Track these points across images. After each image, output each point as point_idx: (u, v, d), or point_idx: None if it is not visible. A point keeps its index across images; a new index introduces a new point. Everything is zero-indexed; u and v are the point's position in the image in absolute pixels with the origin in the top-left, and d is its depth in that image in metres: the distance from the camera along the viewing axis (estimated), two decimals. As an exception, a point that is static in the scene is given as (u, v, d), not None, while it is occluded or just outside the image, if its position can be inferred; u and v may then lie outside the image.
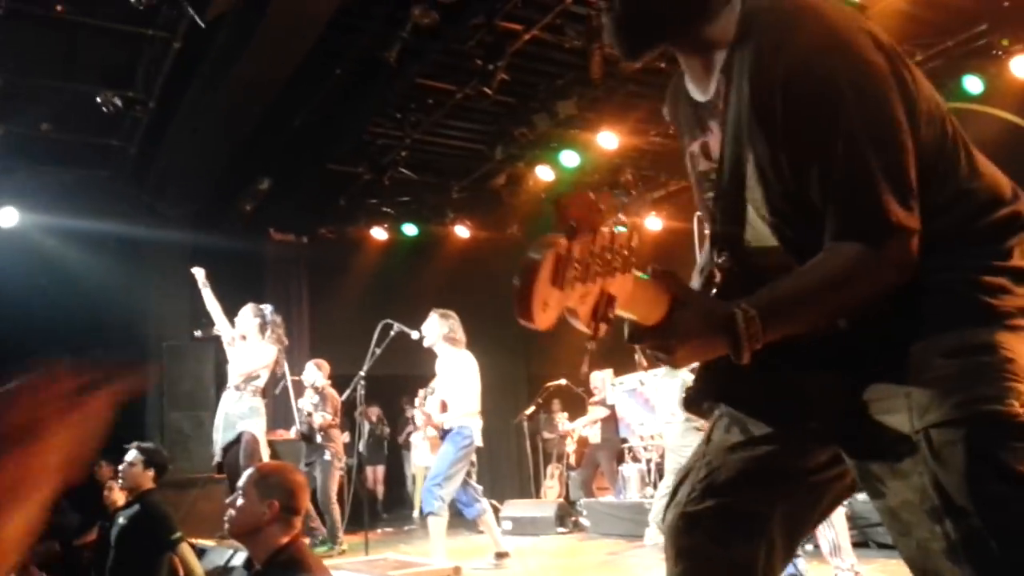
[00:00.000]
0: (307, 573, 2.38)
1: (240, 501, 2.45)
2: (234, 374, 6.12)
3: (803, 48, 1.25)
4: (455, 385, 5.61)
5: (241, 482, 2.51)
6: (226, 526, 2.49)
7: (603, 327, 1.12)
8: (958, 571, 1.20)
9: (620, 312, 1.19)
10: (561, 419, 9.86)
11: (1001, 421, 1.19)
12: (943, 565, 1.21)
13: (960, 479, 1.18)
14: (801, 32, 1.26)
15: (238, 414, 5.96)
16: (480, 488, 5.81)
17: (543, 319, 1.06)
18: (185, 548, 4.11)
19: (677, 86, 1.57)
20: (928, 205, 1.30)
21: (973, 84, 6.67)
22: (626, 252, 1.13)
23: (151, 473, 4.17)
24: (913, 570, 1.30)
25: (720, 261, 1.48)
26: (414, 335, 5.83)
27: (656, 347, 1.27)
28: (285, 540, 2.43)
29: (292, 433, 7.53)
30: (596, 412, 8.56)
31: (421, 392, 5.81)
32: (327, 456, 7.14)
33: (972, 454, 1.18)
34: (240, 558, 4.30)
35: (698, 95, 1.48)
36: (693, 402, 1.55)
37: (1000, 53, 6.58)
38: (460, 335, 5.70)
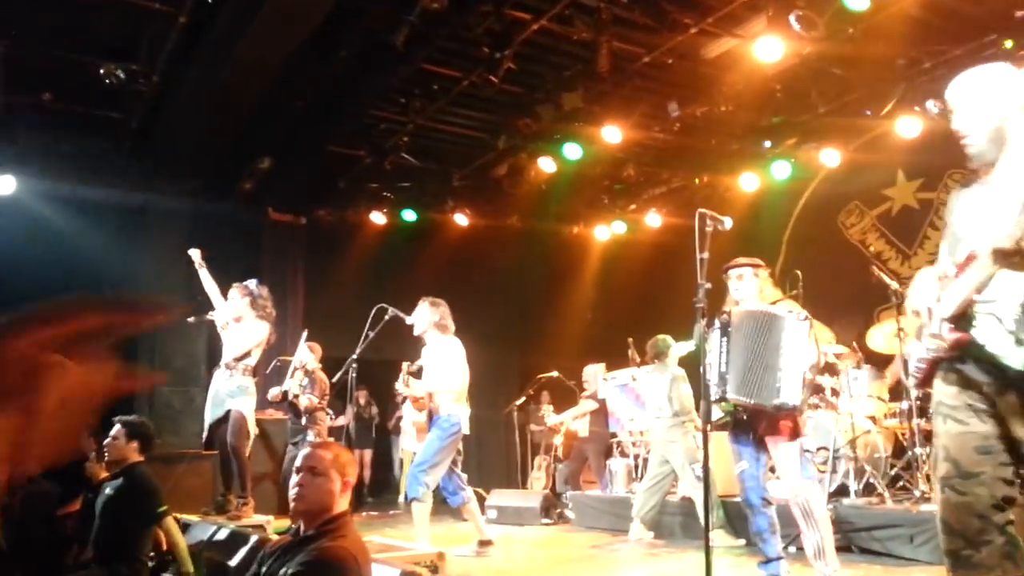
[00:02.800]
0: (341, 540, 2.54)
1: (317, 479, 2.60)
2: (227, 354, 6.11)
3: None
4: (443, 372, 5.59)
5: (313, 462, 2.64)
6: (298, 504, 2.61)
7: None
8: None
9: None
10: (547, 411, 9.87)
11: None
12: None
13: None
14: None
15: (227, 392, 5.95)
16: (465, 476, 5.81)
17: None
18: (170, 521, 4.12)
19: None
20: None
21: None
22: None
23: (135, 445, 4.16)
24: None
25: None
26: (408, 320, 5.82)
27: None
28: (337, 513, 2.63)
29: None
30: (585, 405, 8.56)
31: (404, 365, 5.79)
32: (310, 437, 7.15)
33: None
34: (224, 533, 4.30)
35: None
36: (924, 380, 2.54)
37: (1009, 63, 6.56)
38: (450, 323, 5.70)
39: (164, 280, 9.26)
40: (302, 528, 2.66)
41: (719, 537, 5.86)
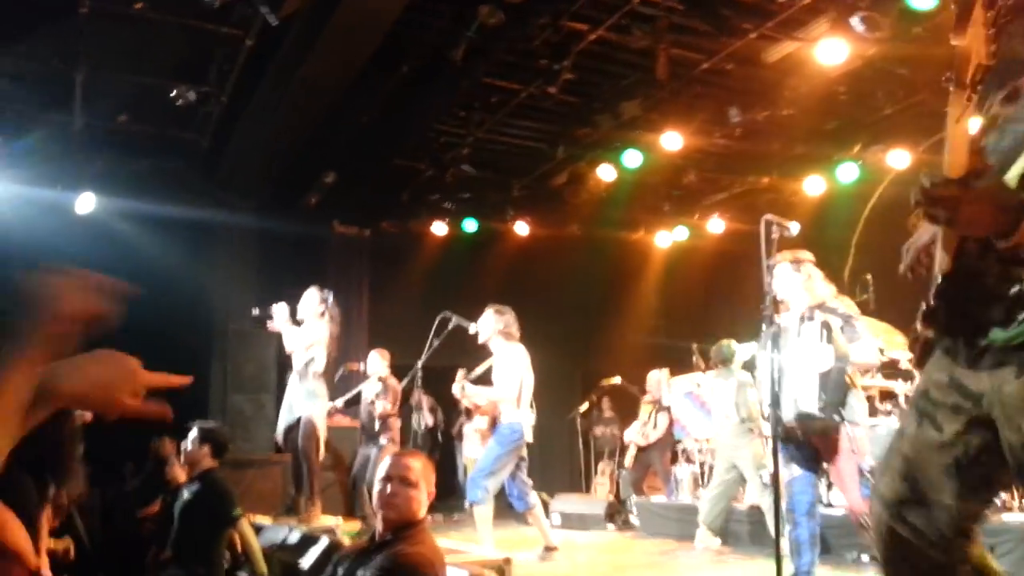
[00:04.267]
0: (419, 546, 2.59)
1: (409, 490, 2.65)
2: (296, 360, 6.28)
3: None
4: (505, 380, 5.62)
5: (405, 472, 2.68)
6: (388, 512, 2.64)
7: None
8: None
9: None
10: (609, 420, 9.87)
11: None
12: None
13: None
14: None
15: (298, 397, 6.11)
16: (530, 482, 5.84)
17: None
18: (244, 524, 4.25)
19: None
20: None
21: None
22: None
23: (206, 450, 4.31)
24: None
25: None
26: (471, 328, 5.89)
27: (947, 197, 1.57)
28: (416, 520, 2.68)
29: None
30: (660, 420, 8.52)
31: (460, 372, 5.85)
32: (382, 442, 7.24)
33: None
34: (295, 536, 4.42)
35: None
36: (921, 357, 1.83)
37: None
38: (515, 330, 5.73)
39: (234, 293, 9.56)
40: (378, 533, 2.70)
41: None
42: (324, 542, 3.95)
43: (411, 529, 2.66)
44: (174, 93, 7.03)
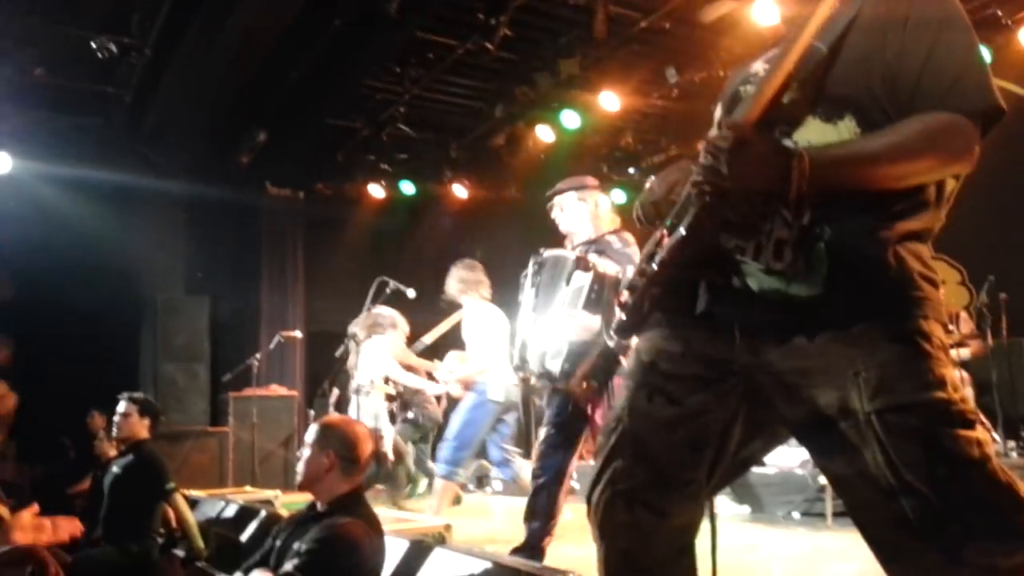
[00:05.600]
0: (355, 517, 2.60)
1: (306, 453, 2.70)
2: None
3: None
4: (487, 341, 5.16)
5: (307, 436, 2.78)
6: (298, 476, 2.75)
7: None
8: (913, 541, 1.34)
9: None
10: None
11: (944, 408, 1.34)
12: (898, 536, 1.35)
13: (914, 462, 1.32)
14: None
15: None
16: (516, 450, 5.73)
17: None
18: (178, 498, 4.14)
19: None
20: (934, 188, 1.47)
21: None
22: None
23: (147, 422, 4.18)
24: (867, 539, 1.43)
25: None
26: (410, 293, 5.80)
27: (713, 160, 1.36)
28: (346, 488, 2.68)
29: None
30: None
31: (445, 360, 5.66)
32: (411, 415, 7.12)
33: (923, 439, 1.33)
34: (232, 509, 4.32)
35: None
36: (631, 326, 1.57)
37: (1009, 23, 6.50)
38: (487, 289, 5.34)
39: (162, 259, 9.26)
40: (319, 505, 2.71)
41: (723, 505, 5.91)
42: (262, 515, 3.87)
43: (346, 499, 2.66)
44: (94, 44, 6.67)
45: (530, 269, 3.64)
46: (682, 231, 1.43)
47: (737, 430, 1.55)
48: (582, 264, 3.39)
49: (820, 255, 1.39)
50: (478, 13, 6.69)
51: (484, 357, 5.13)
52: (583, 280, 3.32)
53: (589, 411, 3.49)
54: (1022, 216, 6.67)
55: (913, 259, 1.41)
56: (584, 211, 3.69)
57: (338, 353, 6.34)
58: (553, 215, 3.78)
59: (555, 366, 3.32)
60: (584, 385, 3.30)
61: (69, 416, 7.01)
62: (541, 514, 3.53)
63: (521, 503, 3.66)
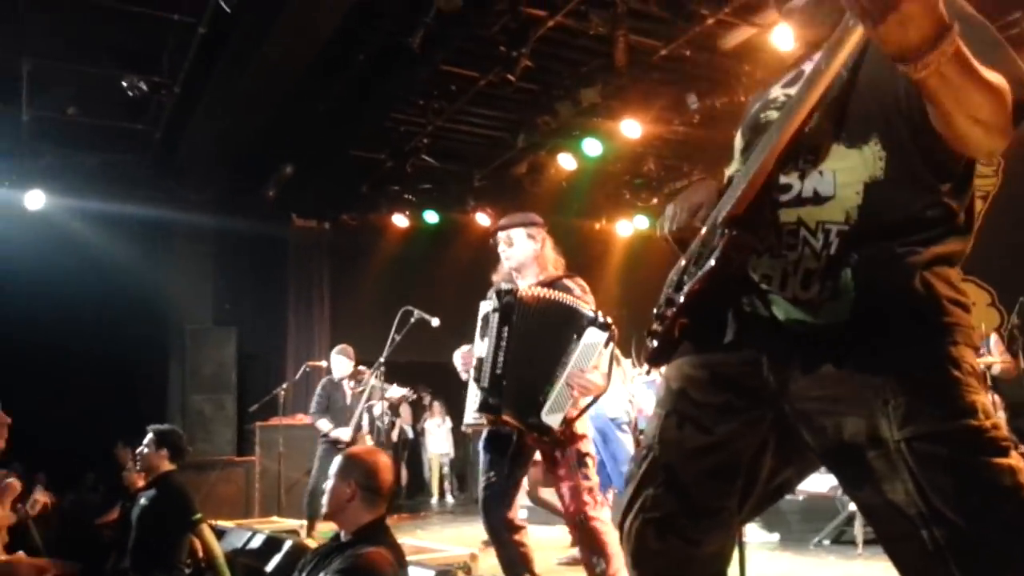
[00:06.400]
0: (378, 545, 2.60)
1: (329, 484, 2.72)
2: None
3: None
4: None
5: (331, 467, 2.79)
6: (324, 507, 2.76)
7: None
8: (944, 571, 1.29)
9: None
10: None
11: (975, 435, 1.31)
12: (930, 565, 1.31)
13: (945, 491, 1.29)
14: None
15: None
16: None
17: None
18: (205, 529, 4.15)
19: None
20: (958, 205, 1.42)
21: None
22: None
23: (164, 453, 4.21)
24: (898, 567, 1.39)
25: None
26: (434, 322, 5.80)
27: None
28: (370, 518, 2.68)
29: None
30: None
31: None
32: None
33: (954, 468, 1.30)
34: (259, 540, 4.33)
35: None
36: (662, 355, 1.56)
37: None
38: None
39: (191, 291, 9.38)
40: (342, 535, 2.71)
41: (753, 533, 5.82)
42: (288, 545, 3.87)
43: (369, 529, 2.66)
44: (125, 84, 6.83)
45: (499, 307, 3.31)
46: (712, 263, 1.42)
47: (768, 458, 1.53)
48: (601, 322, 3.22)
49: (847, 283, 1.38)
50: (500, 45, 6.77)
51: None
52: (598, 337, 3.19)
53: (547, 448, 3.35)
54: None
55: (942, 284, 1.39)
56: (532, 249, 3.57)
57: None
58: (500, 249, 3.61)
59: (554, 421, 3.16)
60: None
61: (98, 447, 7.08)
62: (521, 567, 3.40)
63: (546, 531, 3.62)
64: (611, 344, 3.23)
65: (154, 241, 8.88)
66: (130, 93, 6.89)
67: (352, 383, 6.71)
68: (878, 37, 1.17)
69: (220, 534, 4.67)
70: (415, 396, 6.33)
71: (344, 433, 6.33)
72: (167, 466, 4.22)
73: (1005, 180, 7.28)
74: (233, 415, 8.48)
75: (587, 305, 3.31)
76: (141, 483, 4.53)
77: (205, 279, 9.50)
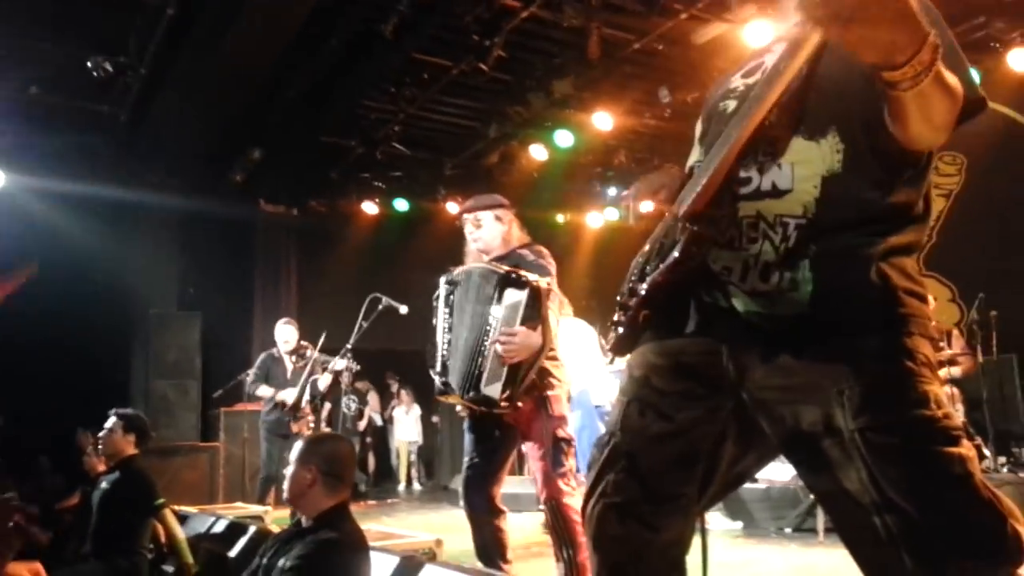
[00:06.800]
0: (340, 532, 2.60)
1: (290, 469, 2.70)
2: None
3: None
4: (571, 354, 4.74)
5: (292, 453, 2.77)
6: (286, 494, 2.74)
7: None
8: (897, 559, 1.32)
9: None
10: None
11: (926, 425, 1.34)
12: (883, 553, 1.34)
13: (897, 480, 1.31)
14: None
15: None
16: None
17: None
18: (167, 514, 4.12)
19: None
20: (914, 199, 1.46)
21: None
22: None
23: (131, 438, 4.17)
24: (853, 555, 1.42)
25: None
26: (402, 310, 5.79)
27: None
28: (331, 503, 2.66)
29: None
30: None
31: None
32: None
33: (906, 457, 1.33)
34: (222, 525, 4.31)
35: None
36: (625, 344, 1.60)
37: (998, 46, 6.58)
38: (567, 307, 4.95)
39: (156, 276, 9.26)
40: (304, 520, 2.71)
41: (716, 520, 5.90)
42: (251, 531, 3.86)
43: (331, 514, 2.66)
44: (90, 64, 6.71)
45: (442, 290, 3.40)
46: (675, 255, 1.46)
47: (728, 446, 1.56)
48: (515, 279, 3.15)
49: (805, 275, 1.41)
50: (473, 35, 6.75)
51: (585, 368, 5.29)
52: (518, 296, 3.13)
53: (525, 429, 3.31)
54: (1013, 235, 6.73)
55: (898, 275, 1.42)
56: (500, 230, 3.53)
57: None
58: (467, 231, 3.57)
59: (494, 391, 3.10)
60: (520, 405, 3.18)
61: (59, 432, 6.98)
62: (494, 550, 3.35)
63: (513, 517, 3.62)
64: (538, 302, 3.15)
65: (118, 224, 8.73)
66: (95, 74, 6.77)
67: (294, 358, 6.56)
68: (848, 47, 1.19)
69: (183, 519, 4.64)
70: (358, 367, 6.26)
71: (288, 395, 6.25)
72: (130, 450, 4.18)
73: (968, 178, 7.42)
74: (197, 401, 8.40)
75: (531, 273, 3.22)
76: (102, 467, 4.48)
77: (170, 263, 9.39)
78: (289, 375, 6.56)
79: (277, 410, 6.37)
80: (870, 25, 1.14)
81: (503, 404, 3.12)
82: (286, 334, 6.72)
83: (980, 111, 1.38)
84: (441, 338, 3.31)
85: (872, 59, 1.20)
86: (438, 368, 3.30)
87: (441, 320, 3.34)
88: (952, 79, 1.28)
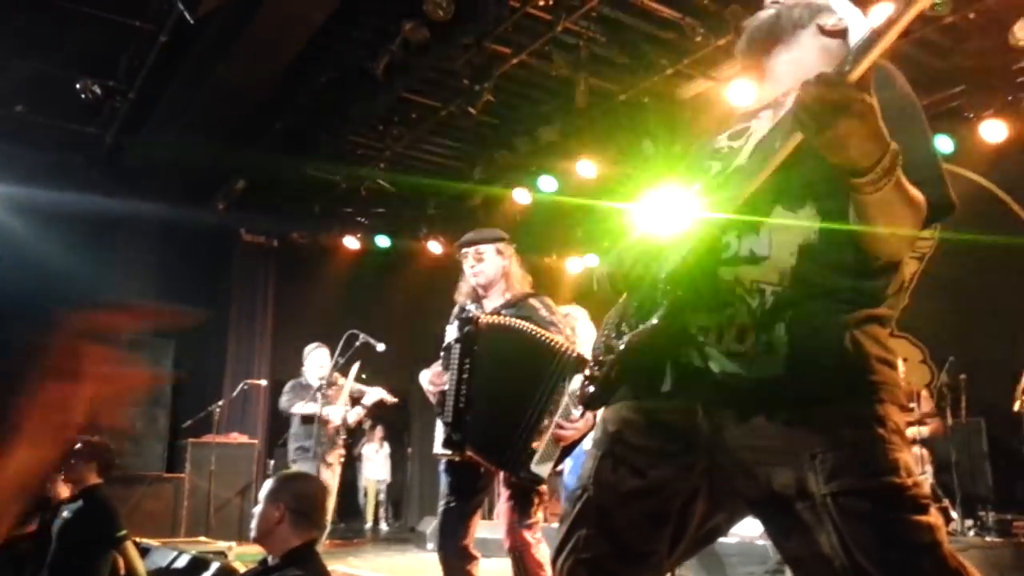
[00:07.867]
0: (305, 571, 2.56)
1: (259, 507, 2.68)
2: None
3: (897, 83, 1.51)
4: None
5: (261, 491, 2.74)
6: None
7: None
8: None
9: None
10: None
11: (896, 492, 1.37)
12: None
13: (867, 545, 1.33)
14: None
15: None
16: None
17: None
18: (129, 547, 4.03)
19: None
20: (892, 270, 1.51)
21: (944, 144, 6.84)
22: None
23: (94, 467, 4.08)
24: None
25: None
26: (379, 347, 5.78)
27: (820, 103, 1.24)
28: (298, 542, 2.62)
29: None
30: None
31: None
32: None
33: (876, 523, 1.35)
34: (184, 560, 4.22)
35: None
36: (598, 398, 1.63)
37: (971, 116, 6.77)
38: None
39: (130, 296, 9.15)
40: (270, 559, 2.68)
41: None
42: (214, 567, 3.78)
43: (297, 553, 2.62)
44: (78, 86, 6.71)
45: (461, 334, 3.20)
46: (655, 321, 1.51)
47: (700, 504, 1.57)
48: (580, 362, 2.99)
49: (780, 339, 1.44)
50: (463, 78, 6.84)
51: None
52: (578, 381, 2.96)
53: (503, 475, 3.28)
54: (982, 300, 6.85)
55: (871, 343, 1.45)
56: (501, 265, 3.43)
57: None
58: (467, 265, 3.46)
59: (544, 470, 3.03)
60: None
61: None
62: None
63: (482, 563, 3.56)
64: None
65: (96, 246, 8.65)
66: (83, 96, 6.77)
67: (323, 385, 6.01)
68: (820, 150, 1.29)
69: (144, 552, 4.54)
70: (395, 400, 6.02)
71: (335, 413, 5.88)
72: (93, 479, 4.10)
73: (940, 242, 7.57)
74: (165, 430, 8.28)
75: (558, 336, 3.15)
76: (66, 493, 4.39)
77: (146, 288, 9.29)
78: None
79: (314, 427, 5.85)
80: (843, 137, 1.25)
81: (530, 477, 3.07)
82: (321, 359, 6.26)
83: (947, 215, 1.45)
84: (456, 389, 3.13)
85: (839, 161, 1.29)
86: (449, 419, 3.13)
87: (455, 367, 3.15)
88: (914, 191, 1.36)
